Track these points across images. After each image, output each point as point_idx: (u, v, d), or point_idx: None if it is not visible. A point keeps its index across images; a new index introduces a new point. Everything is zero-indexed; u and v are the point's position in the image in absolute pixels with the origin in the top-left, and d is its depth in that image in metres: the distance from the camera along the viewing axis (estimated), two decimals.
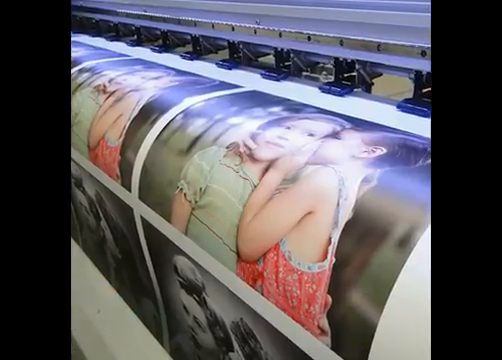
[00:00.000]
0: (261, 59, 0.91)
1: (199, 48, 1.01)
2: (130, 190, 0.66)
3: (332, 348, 0.37)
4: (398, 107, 0.60)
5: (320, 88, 0.71)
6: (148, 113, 0.69)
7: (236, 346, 0.54)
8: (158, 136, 0.63)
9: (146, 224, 0.64)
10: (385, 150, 0.45)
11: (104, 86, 0.84)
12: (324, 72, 0.84)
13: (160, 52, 1.09)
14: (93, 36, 1.37)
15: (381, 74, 0.70)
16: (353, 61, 0.68)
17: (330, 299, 0.37)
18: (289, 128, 0.53)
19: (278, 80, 0.79)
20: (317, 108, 0.61)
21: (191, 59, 1.00)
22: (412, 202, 0.37)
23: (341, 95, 0.68)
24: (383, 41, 0.63)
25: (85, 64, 0.97)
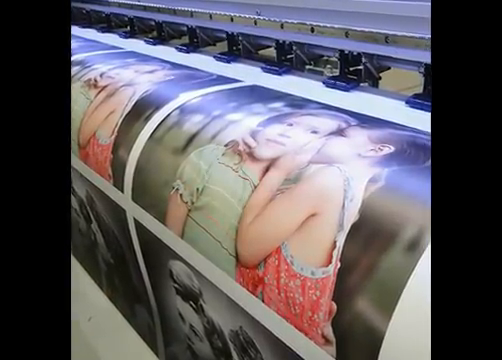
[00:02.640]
0: (261, 52, 0.91)
1: (196, 40, 1.01)
2: (123, 191, 0.66)
3: (337, 358, 0.37)
4: (407, 103, 0.60)
5: (324, 82, 0.71)
6: (142, 109, 0.69)
7: (235, 356, 0.54)
8: (152, 133, 0.63)
9: (140, 227, 0.64)
10: (393, 148, 0.45)
11: (95, 80, 0.84)
12: (328, 65, 0.84)
13: (154, 44, 1.09)
14: (83, 27, 1.37)
15: (389, 68, 0.70)
16: (359, 54, 0.68)
17: (335, 306, 0.37)
18: (291, 125, 0.53)
19: (280, 74, 0.79)
20: (321, 104, 0.61)
21: (187, 52, 1.00)
22: (421, 203, 0.37)
23: (346, 90, 0.68)
24: (391, 33, 0.63)
25: (75, 57, 0.97)
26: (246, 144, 0.52)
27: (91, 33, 1.28)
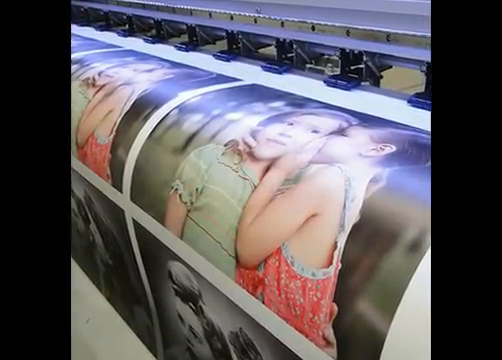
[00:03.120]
0: (262, 50, 0.91)
1: (195, 38, 1.01)
2: (121, 191, 0.66)
3: None
4: (409, 102, 0.60)
5: (325, 81, 0.71)
6: (140, 108, 0.69)
7: (235, 358, 0.54)
8: (151, 133, 0.63)
9: (138, 227, 0.64)
10: (395, 148, 0.45)
11: (93, 79, 0.84)
12: (329, 64, 0.84)
13: (153, 43, 1.09)
14: (81, 25, 1.37)
15: (391, 66, 0.70)
16: (360, 52, 0.68)
17: (336, 308, 0.37)
18: (292, 124, 0.53)
19: (280, 73, 0.79)
20: (322, 103, 0.61)
21: (187, 50, 1.00)
22: (423, 203, 0.37)
23: (348, 89, 0.68)
24: (393, 31, 0.63)
25: (73, 56, 0.97)
26: (246, 144, 0.52)
27: (89, 31, 1.28)
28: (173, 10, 1.04)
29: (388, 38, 0.63)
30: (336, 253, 0.38)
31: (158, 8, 1.09)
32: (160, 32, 1.11)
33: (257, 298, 0.44)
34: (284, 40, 0.79)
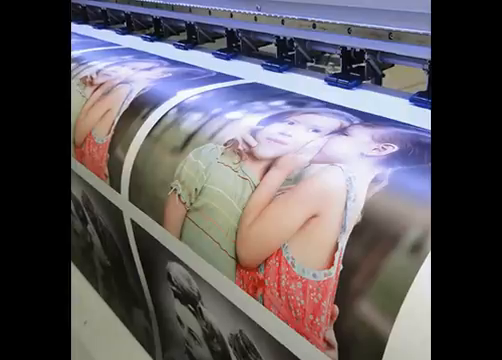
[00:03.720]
0: (262, 48, 0.91)
1: (194, 36, 1.01)
2: (119, 191, 0.66)
3: None
4: (411, 101, 0.60)
5: (326, 80, 0.71)
6: (139, 107, 0.69)
7: None
8: (150, 132, 0.63)
9: (137, 228, 0.64)
10: (397, 147, 0.45)
11: (91, 78, 0.84)
12: (330, 63, 0.84)
13: (152, 41, 1.09)
14: (79, 23, 1.37)
15: (392, 65, 0.70)
16: (362, 50, 0.68)
17: (337, 310, 0.37)
18: (292, 123, 0.53)
19: (280, 71, 0.79)
20: (323, 102, 0.61)
21: (186, 48, 1.00)
22: (426, 204, 0.37)
23: (349, 88, 0.68)
24: (395, 29, 0.63)
25: (71, 54, 0.97)
26: (246, 143, 0.52)
27: (87, 29, 1.28)
28: (172, 8, 1.03)
29: (390, 36, 0.63)
30: (337, 254, 0.38)
31: (157, 5, 1.08)
32: (159, 30, 1.11)
33: (257, 300, 0.44)
34: (284, 38, 0.79)
